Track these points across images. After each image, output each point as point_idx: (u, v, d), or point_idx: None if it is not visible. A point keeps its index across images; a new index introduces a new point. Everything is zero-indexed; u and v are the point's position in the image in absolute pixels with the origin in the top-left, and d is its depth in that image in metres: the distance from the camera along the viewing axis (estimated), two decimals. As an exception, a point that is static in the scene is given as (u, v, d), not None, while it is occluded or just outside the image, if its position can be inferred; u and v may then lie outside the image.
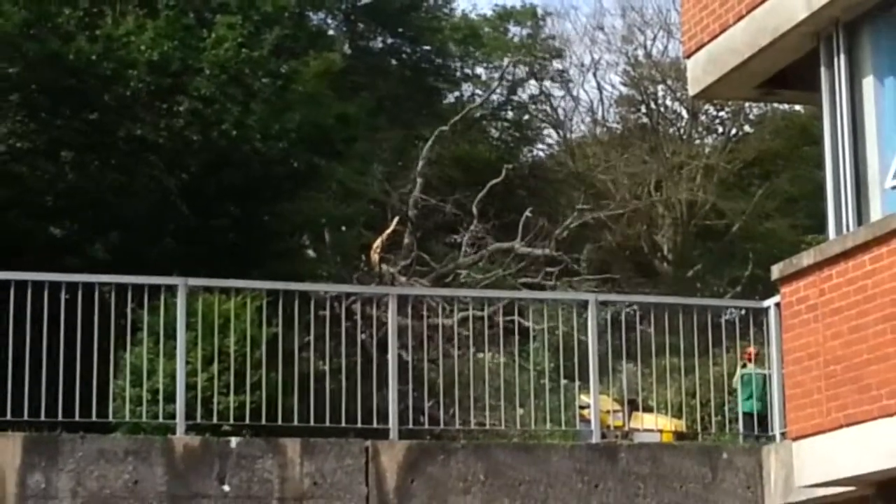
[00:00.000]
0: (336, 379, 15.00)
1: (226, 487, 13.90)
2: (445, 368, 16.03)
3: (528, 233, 37.69)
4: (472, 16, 47.73)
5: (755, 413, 17.63)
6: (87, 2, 25.59)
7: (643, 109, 45.24)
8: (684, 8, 15.03)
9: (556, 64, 46.83)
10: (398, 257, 36.24)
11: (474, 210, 38.45)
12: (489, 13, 47.83)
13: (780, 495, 15.12)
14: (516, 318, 18.27)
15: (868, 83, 13.04)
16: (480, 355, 19.68)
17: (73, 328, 14.01)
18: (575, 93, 46.70)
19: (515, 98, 47.69)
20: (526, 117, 48.05)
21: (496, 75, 46.74)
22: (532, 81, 46.97)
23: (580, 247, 41.23)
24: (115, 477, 13.65)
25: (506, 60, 46.70)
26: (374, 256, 34.53)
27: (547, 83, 46.97)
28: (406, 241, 37.71)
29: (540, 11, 47.10)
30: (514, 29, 47.85)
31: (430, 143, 38.08)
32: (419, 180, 38.16)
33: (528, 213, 38.03)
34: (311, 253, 32.93)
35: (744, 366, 18.11)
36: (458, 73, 47.07)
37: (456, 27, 46.17)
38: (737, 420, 17.18)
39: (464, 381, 15.82)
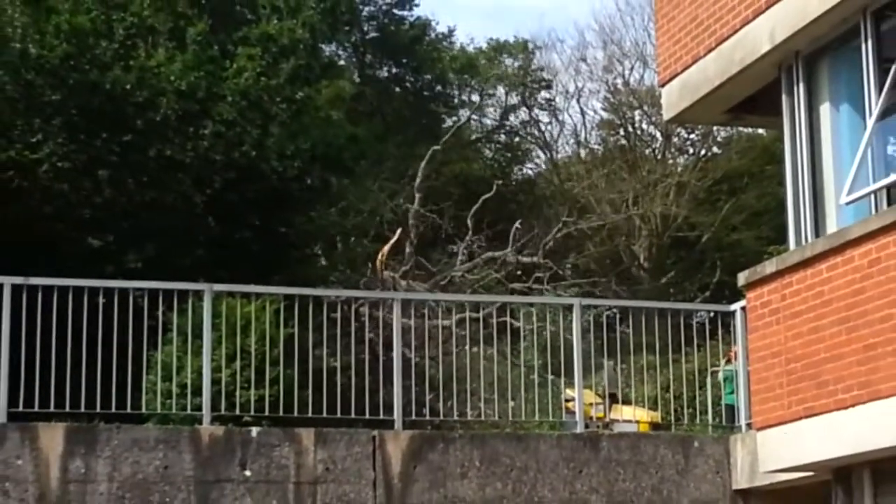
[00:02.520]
0: (346, 374, 14.98)
1: (247, 472, 13.88)
2: (444, 365, 16.02)
3: (518, 242, 37.76)
4: (470, 48, 47.71)
5: (735, 405, 17.62)
6: (123, 35, 25.56)
7: (622, 132, 45.18)
8: (659, 41, 15.03)
9: (545, 92, 46.87)
10: (401, 264, 36.24)
11: (469, 222, 38.53)
12: (484, 46, 47.76)
13: (747, 480, 15.11)
14: (508, 319, 18.24)
15: (825, 109, 13.04)
16: (475, 349, 19.68)
17: (110, 329, 13.99)
18: (561, 117, 46.76)
19: (508, 122, 47.69)
20: (517, 139, 48.01)
21: (491, 101, 46.87)
22: (524, 112, 47.02)
23: (566, 256, 41.21)
24: (148, 463, 13.64)
25: (500, 89, 46.77)
26: (380, 264, 34.49)
27: (536, 109, 47.01)
28: (408, 250, 37.66)
29: (530, 45, 47.10)
30: (507, 60, 47.80)
31: (425, 161, 38.05)
32: (417, 195, 38.17)
33: (517, 224, 38.05)
34: (322, 261, 32.86)
35: (727, 362, 18.08)
36: (456, 100, 47.03)
37: (454, 58, 46.14)
38: (706, 412, 17.17)
39: (461, 376, 15.79)
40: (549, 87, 46.74)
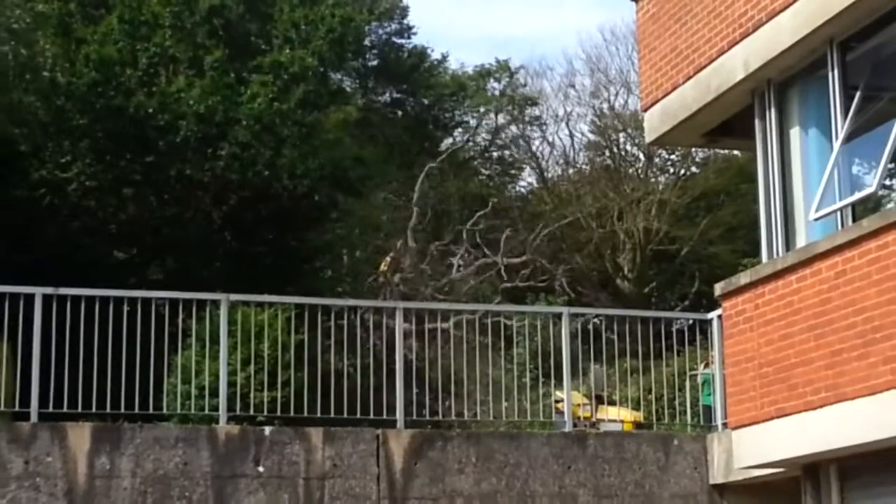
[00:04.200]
0: (352, 377, 14.97)
1: (260, 468, 13.86)
2: (443, 369, 16.01)
3: (509, 249, 38.02)
4: (459, 73, 47.63)
5: (711, 406, 17.60)
6: (146, 64, 25.58)
7: (608, 153, 45.14)
8: (642, 70, 15.05)
9: (535, 112, 46.89)
10: (404, 273, 36.30)
11: (464, 234, 38.65)
12: (471, 71, 47.68)
13: (722, 475, 15.10)
14: (502, 327, 18.23)
15: (795, 133, 13.05)
16: (472, 354, 19.64)
17: (133, 336, 13.98)
18: (551, 139, 46.74)
19: (500, 142, 47.61)
20: (510, 160, 47.99)
21: (483, 123, 46.91)
22: (514, 129, 46.99)
23: (556, 268, 41.23)
24: (168, 460, 13.63)
25: (489, 110, 46.79)
26: (382, 274, 34.51)
27: (527, 132, 47.03)
28: (409, 261, 37.72)
29: (513, 66, 46.98)
30: (493, 84, 47.73)
31: (421, 178, 38.12)
32: (416, 209, 38.23)
33: (507, 232, 38.24)
34: (330, 273, 32.85)
35: (705, 366, 18.05)
36: (451, 122, 47.01)
37: (446, 84, 46.15)
38: (685, 412, 17.15)
39: (458, 379, 15.77)
40: (535, 104, 46.71)
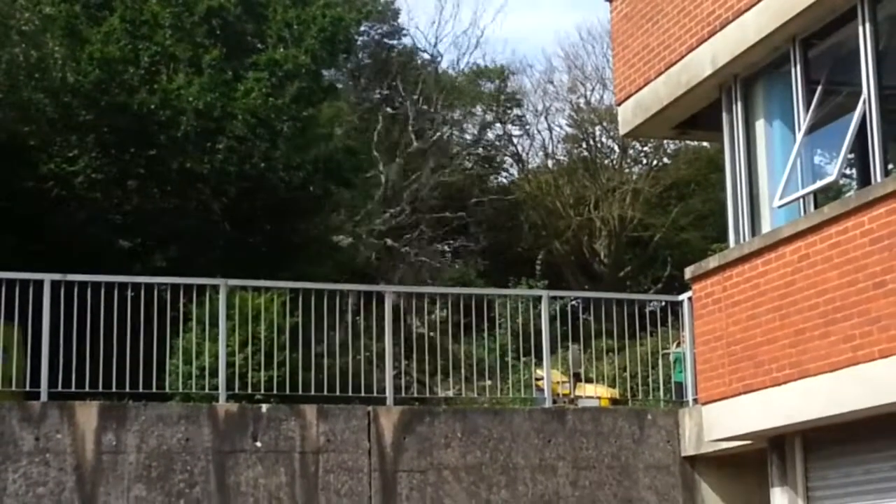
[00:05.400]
0: (344, 358, 14.96)
1: (258, 444, 13.87)
2: (430, 349, 16.02)
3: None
4: (451, 72, 47.50)
5: (683, 383, 17.62)
6: (148, 63, 25.48)
7: (584, 145, 45.09)
8: (616, 66, 15.06)
9: (516, 110, 46.83)
10: (396, 260, 36.36)
11: (452, 224, 38.74)
12: (466, 70, 47.57)
13: (693, 447, 15.14)
14: (485, 309, 18.20)
15: (760, 125, 13.08)
16: (457, 335, 19.66)
17: (138, 319, 13.99)
18: (531, 132, 46.72)
19: (485, 137, 47.57)
20: (493, 152, 47.92)
21: (470, 120, 46.82)
22: (498, 124, 46.92)
23: (536, 253, 41.26)
24: (171, 436, 13.63)
25: (478, 108, 46.71)
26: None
27: (509, 125, 46.96)
28: (402, 249, 37.77)
29: (506, 72, 46.94)
30: (485, 84, 47.61)
31: (392, 170, 38.14)
32: (405, 201, 38.32)
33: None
34: (324, 259, 32.78)
35: (677, 345, 18.10)
36: (440, 119, 46.89)
37: (438, 81, 46.03)
38: (658, 388, 17.18)
39: (445, 359, 15.78)
40: (519, 105, 46.70)
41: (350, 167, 28.93)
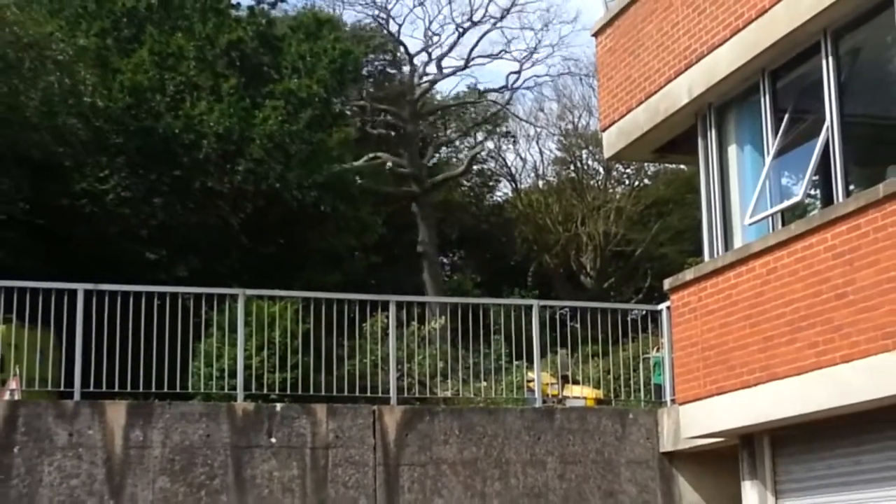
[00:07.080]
0: (351, 361, 14.98)
1: (273, 440, 13.88)
2: (431, 353, 16.02)
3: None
4: (449, 98, 47.41)
5: (661, 385, 17.60)
6: (173, 91, 25.58)
7: (572, 167, 45.14)
8: (601, 95, 15.10)
9: (506, 127, 46.86)
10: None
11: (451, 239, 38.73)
12: (460, 92, 47.54)
13: (671, 444, 15.15)
14: (481, 316, 18.20)
15: (732, 150, 13.11)
16: (455, 340, 19.64)
17: (163, 325, 14.01)
18: (523, 156, 46.82)
19: (481, 159, 47.52)
20: (489, 173, 47.91)
21: (465, 141, 46.84)
22: (490, 145, 47.01)
23: (528, 265, 41.25)
24: (193, 432, 13.64)
25: (468, 133, 46.77)
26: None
27: (503, 150, 47.03)
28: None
29: (495, 96, 46.87)
30: (475, 109, 47.55)
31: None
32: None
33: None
34: (333, 271, 32.76)
35: (656, 350, 18.12)
36: (437, 141, 46.87)
37: (435, 108, 46.03)
38: (639, 390, 17.17)
39: (444, 362, 15.78)
40: (509, 134, 46.73)
41: (357, 187, 28.99)
